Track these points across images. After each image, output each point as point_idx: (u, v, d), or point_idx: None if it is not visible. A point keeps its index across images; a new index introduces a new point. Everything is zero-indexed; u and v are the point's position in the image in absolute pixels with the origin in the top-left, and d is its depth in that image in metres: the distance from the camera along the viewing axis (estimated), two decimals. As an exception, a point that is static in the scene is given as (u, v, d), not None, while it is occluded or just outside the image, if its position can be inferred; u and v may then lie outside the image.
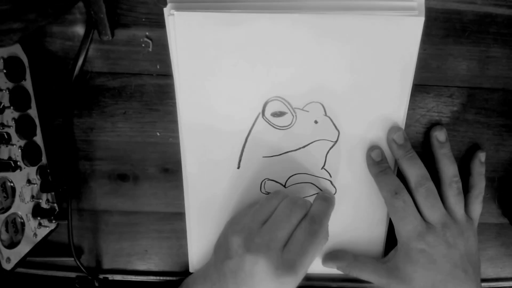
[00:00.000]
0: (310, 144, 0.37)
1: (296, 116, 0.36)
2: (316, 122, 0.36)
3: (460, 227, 0.35)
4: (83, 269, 0.40)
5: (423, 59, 0.35)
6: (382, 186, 0.36)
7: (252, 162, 0.38)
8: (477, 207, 0.37)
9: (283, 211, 0.34)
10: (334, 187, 0.39)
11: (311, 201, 0.36)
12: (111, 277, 0.43)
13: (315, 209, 0.34)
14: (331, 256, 0.40)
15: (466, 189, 0.37)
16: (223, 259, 0.33)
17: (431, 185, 0.35)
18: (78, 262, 0.40)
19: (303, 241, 0.32)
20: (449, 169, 0.35)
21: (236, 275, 0.32)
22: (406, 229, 0.35)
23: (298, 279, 0.32)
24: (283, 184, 0.39)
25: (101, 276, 0.43)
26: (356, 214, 0.40)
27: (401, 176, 0.36)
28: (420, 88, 0.36)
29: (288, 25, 0.33)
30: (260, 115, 0.36)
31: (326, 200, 0.35)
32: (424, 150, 0.36)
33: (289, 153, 0.38)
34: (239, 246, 0.32)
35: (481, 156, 0.37)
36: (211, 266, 0.35)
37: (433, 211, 0.35)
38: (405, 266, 0.36)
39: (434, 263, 0.34)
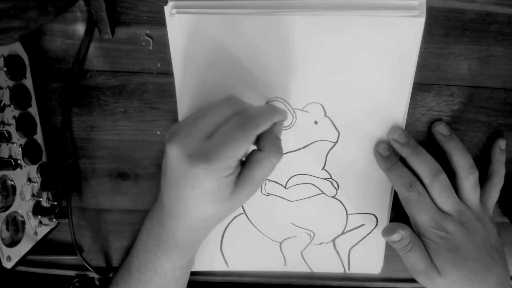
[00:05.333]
0: (310, 145, 0.37)
1: (296, 116, 0.36)
2: (316, 122, 0.36)
3: (475, 214, 0.35)
4: (89, 267, 0.41)
5: (424, 58, 0.35)
6: (394, 180, 0.36)
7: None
8: (493, 195, 0.37)
9: (214, 104, 0.30)
10: (335, 188, 0.39)
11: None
12: (111, 275, 0.43)
13: (254, 109, 0.30)
14: (394, 225, 0.36)
15: (484, 176, 0.37)
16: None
17: (444, 178, 0.34)
18: (83, 260, 0.40)
19: (227, 133, 0.28)
20: (463, 161, 0.35)
21: (164, 172, 0.30)
22: (423, 220, 0.35)
23: (214, 171, 0.27)
24: (284, 185, 0.39)
25: (101, 275, 0.43)
26: (357, 216, 0.40)
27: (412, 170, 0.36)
28: (420, 87, 0.36)
29: (288, 26, 0.33)
30: (261, 115, 0.36)
31: (268, 106, 0.31)
32: (427, 148, 0.36)
33: (289, 153, 0.38)
34: (166, 140, 0.30)
35: (501, 143, 0.37)
36: None
37: (448, 202, 0.35)
38: (436, 259, 0.35)
39: (458, 250, 0.34)
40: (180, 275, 0.35)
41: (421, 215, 0.35)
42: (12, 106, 0.32)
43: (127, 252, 0.43)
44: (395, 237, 0.36)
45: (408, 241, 0.35)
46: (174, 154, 0.28)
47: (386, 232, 0.37)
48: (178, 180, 0.29)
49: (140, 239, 0.34)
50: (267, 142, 0.30)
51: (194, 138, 0.28)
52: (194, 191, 0.28)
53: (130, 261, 0.35)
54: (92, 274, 0.43)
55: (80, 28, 0.34)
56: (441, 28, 0.34)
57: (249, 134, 0.28)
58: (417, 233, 0.36)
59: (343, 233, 0.41)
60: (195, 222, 0.31)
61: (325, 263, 0.42)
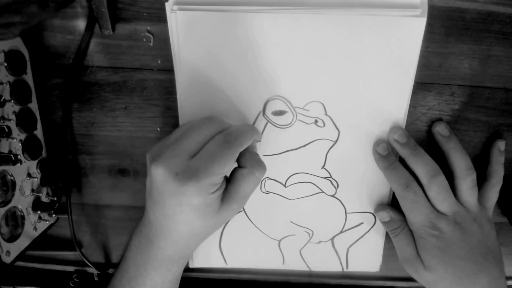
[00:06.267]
0: (310, 143, 0.37)
1: (296, 115, 0.36)
2: (316, 121, 0.36)
3: (472, 215, 0.35)
4: (88, 263, 0.41)
5: (425, 57, 0.35)
6: (392, 180, 0.36)
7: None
8: (492, 196, 0.37)
9: (195, 124, 0.31)
10: (334, 186, 0.39)
11: None
12: (110, 271, 0.43)
13: (234, 127, 0.32)
14: (389, 206, 0.38)
15: (483, 176, 0.37)
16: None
17: (442, 179, 0.34)
18: (83, 256, 0.40)
19: (212, 151, 0.29)
20: (461, 162, 0.35)
21: (149, 191, 0.31)
22: (417, 219, 0.35)
23: (202, 187, 0.29)
24: (283, 183, 0.39)
25: (100, 271, 0.43)
26: (356, 215, 0.40)
27: (410, 170, 0.36)
28: (421, 86, 0.36)
29: (289, 25, 0.33)
30: (261, 114, 0.36)
31: (248, 125, 0.33)
32: (426, 148, 0.36)
33: (289, 152, 0.38)
34: (148, 160, 0.31)
35: (501, 144, 0.37)
36: None
37: (445, 203, 0.35)
38: (423, 254, 0.36)
39: (450, 249, 0.34)
40: (170, 287, 0.35)
41: (416, 215, 0.35)
42: (12, 101, 0.32)
43: (126, 248, 0.43)
44: (384, 215, 0.38)
45: (397, 226, 0.37)
46: (160, 174, 0.29)
47: (377, 208, 0.39)
48: (165, 199, 0.29)
49: (129, 253, 0.35)
50: (247, 159, 0.32)
51: (179, 158, 0.29)
52: (183, 208, 0.29)
53: (121, 275, 0.35)
54: (91, 270, 0.43)
55: (80, 24, 0.34)
56: (443, 28, 0.34)
57: (234, 151, 0.30)
58: (412, 231, 0.37)
59: (341, 231, 0.41)
60: (184, 237, 0.32)
61: (324, 262, 0.42)
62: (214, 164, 0.29)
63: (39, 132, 0.37)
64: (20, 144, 0.34)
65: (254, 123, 0.36)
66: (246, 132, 0.32)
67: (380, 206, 0.39)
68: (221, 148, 0.29)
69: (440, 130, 0.36)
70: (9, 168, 0.33)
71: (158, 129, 0.38)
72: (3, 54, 0.31)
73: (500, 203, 0.38)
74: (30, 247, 0.36)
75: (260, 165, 0.32)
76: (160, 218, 0.31)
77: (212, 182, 0.29)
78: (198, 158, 0.29)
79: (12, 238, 0.34)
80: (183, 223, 0.30)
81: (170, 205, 0.29)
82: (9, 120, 0.32)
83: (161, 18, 0.33)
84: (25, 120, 0.34)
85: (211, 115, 0.32)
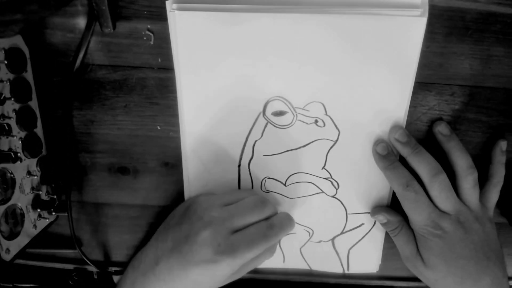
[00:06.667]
0: (311, 144, 0.37)
1: (296, 115, 0.36)
2: (316, 121, 0.36)
3: (474, 214, 0.35)
4: (88, 261, 0.41)
5: (425, 57, 0.35)
6: (392, 180, 0.36)
7: (253, 160, 0.38)
8: (493, 196, 0.37)
9: (250, 203, 0.35)
10: (334, 186, 0.39)
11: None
12: (110, 269, 0.43)
13: (278, 219, 0.35)
14: (385, 208, 0.39)
15: (484, 176, 0.37)
16: (176, 223, 0.35)
17: (444, 178, 0.34)
18: (82, 254, 0.40)
19: (254, 236, 0.33)
20: (462, 161, 0.35)
21: (180, 239, 0.33)
22: (419, 218, 0.35)
23: (233, 265, 0.32)
24: (283, 182, 0.39)
25: (100, 269, 0.43)
26: (357, 216, 0.40)
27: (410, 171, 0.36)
28: (422, 86, 0.36)
29: (289, 25, 0.33)
30: (261, 114, 0.36)
31: (290, 219, 0.36)
32: (426, 147, 0.36)
33: (290, 152, 0.38)
34: (195, 214, 0.34)
35: (503, 144, 0.37)
36: (161, 230, 0.37)
37: (447, 202, 0.35)
38: (424, 253, 0.36)
39: (453, 248, 0.34)
40: None
41: (418, 214, 0.35)
42: (12, 99, 0.32)
43: (126, 246, 0.43)
44: (380, 218, 0.38)
45: (395, 226, 0.38)
46: (205, 236, 0.32)
47: (373, 211, 0.39)
48: (195, 256, 0.32)
49: (123, 286, 0.36)
50: None
51: (226, 230, 0.32)
52: (205, 272, 0.32)
53: None
54: (91, 268, 0.43)
55: (81, 22, 0.34)
56: (443, 27, 0.34)
57: (269, 243, 0.33)
58: (414, 231, 0.37)
59: (342, 233, 0.41)
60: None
61: (324, 262, 0.42)
62: (251, 250, 0.32)
63: (39, 130, 0.37)
64: (20, 142, 0.34)
65: (254, 123, 0.36)
66: (286, 228, 0.35)
67: (376, 209, 0.39)
68: (261, 239, 0.32)
69: (441, 129, 0.36)
70: (9, 166, 0.33)
71: (158, 127, 0.38)
72: (3, 52, 0.31)
73: (499, 203, 0.38)
74: (29, 245, 0.36)
75: (271, 252, 0.36)
76: (174, 264, 0.33)
77: (242, 263, 0.32)
78: (240, 237, 0.32)
79: (12, 235, 0.34)
80: (193, 280, 0.33)
81: (195, 263, 0.32)
82: (9, 118, 0.32)
83: (162, 17, 0.33)
84: (25, 118, 0.34)
85: (266, 200, 0.35)
